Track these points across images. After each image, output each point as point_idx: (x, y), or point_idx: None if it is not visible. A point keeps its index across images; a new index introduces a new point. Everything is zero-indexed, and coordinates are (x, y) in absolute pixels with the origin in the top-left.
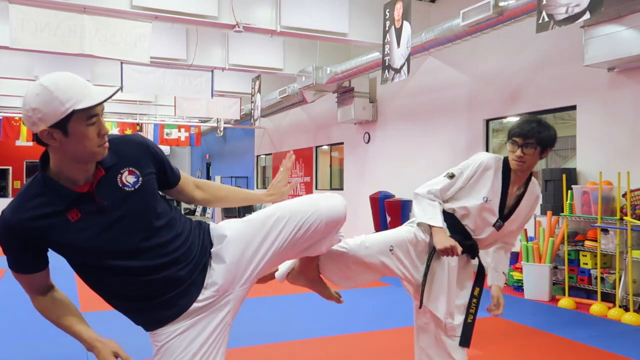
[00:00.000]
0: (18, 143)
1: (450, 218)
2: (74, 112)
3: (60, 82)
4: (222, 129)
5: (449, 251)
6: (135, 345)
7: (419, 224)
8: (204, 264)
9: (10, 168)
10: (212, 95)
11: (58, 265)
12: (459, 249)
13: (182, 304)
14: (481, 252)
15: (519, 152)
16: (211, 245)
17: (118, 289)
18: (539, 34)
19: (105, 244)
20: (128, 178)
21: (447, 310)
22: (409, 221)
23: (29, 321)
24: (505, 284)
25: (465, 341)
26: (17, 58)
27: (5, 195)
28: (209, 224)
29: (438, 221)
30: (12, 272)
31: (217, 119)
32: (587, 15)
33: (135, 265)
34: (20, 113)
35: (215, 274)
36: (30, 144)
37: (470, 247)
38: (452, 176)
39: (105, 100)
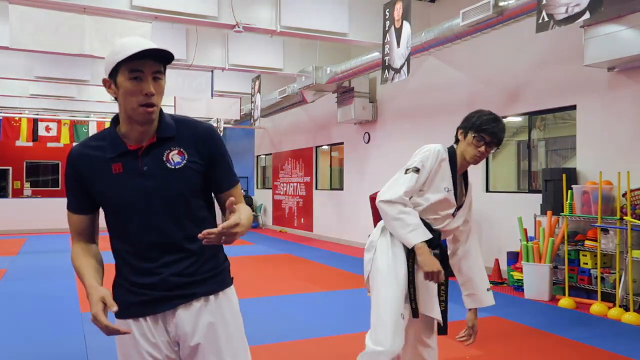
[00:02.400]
0: (18, 143)
1: None
2: (120, 64)
3: (125, 39)
4: (222, 129)
5: (434, 276)
6: None
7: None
8: (193, 294)
9: (10, 168)
10: (212, 95)
11: (58, 265)
12: (442, 274)
13: (154, 309)
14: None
15: (482, 148)
16: (209, 293)
17: (133, 249)
18: (539, 34)
19: (133, 205)
20: (175, 157)
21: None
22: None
23: (30, 321)
24: (505, 283)
25: (444, 329)
26: (17, 58)
27: (5, 196)
28: (231, 280)
29: (422, 234)
30: (67, 212)
31: (217, 119)
32: (587, 15)
33: (149, 239)
34: (19, 113)
35: (188, 324)
36: (30, 144)
37: (434, 237)
38: (417, 170)
39: (138, 53)
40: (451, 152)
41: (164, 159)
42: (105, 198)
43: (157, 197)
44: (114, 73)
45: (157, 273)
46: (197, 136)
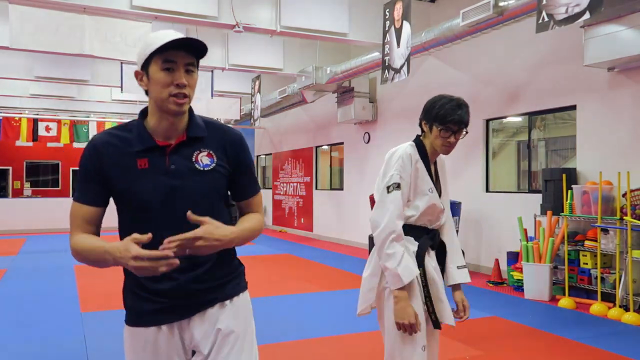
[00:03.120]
0: (18, 143)
1: (409, 229)
2: (152, 55)
3: (159, 32)
4: None
5: (405, 328)
6: None
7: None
8: (212, 300)
9: (10, 168)
10: (212, 95)
11: (58, 265)
12: (415, 327)
13: (163, 319)
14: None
15: (452, 138)
16: (225, 298)
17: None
18: (539, 34)
19: (155, 203)
20: (204, 158)
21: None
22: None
23: (30, 321)
24: (505, 283)
25: (438, 324)
26: (17, 58)
27: (5, 196)
28: (246, 285)
29: (398, 280)
30: (73, 204)
31: (217, 119)
32: (587, 15)
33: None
34: (19, 113)
35: (205, 330)
36: (30, 144)
37: (433, 237)
38: (398, 185)
39: (172, 42)
40: (419, 146)
41: (193, 159)
42: (125, 193)
43: (181, 197)
44: (146, 65)
45: (173, 279)
46: (226, 141)
